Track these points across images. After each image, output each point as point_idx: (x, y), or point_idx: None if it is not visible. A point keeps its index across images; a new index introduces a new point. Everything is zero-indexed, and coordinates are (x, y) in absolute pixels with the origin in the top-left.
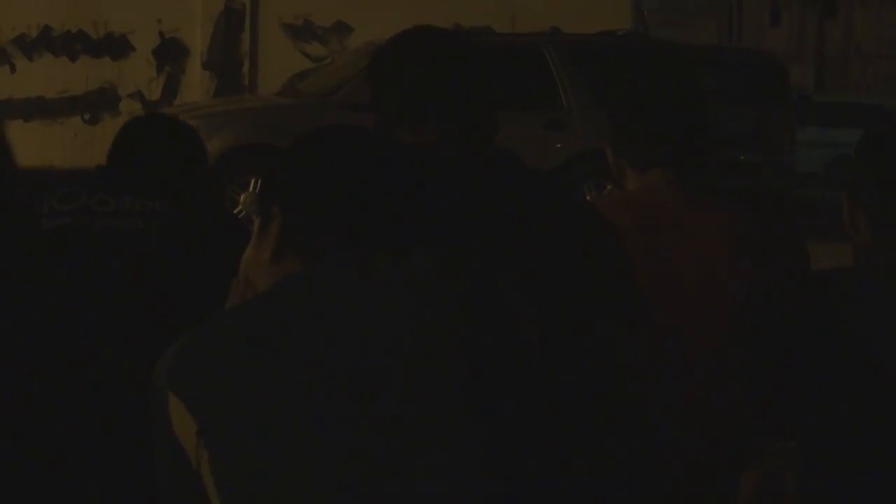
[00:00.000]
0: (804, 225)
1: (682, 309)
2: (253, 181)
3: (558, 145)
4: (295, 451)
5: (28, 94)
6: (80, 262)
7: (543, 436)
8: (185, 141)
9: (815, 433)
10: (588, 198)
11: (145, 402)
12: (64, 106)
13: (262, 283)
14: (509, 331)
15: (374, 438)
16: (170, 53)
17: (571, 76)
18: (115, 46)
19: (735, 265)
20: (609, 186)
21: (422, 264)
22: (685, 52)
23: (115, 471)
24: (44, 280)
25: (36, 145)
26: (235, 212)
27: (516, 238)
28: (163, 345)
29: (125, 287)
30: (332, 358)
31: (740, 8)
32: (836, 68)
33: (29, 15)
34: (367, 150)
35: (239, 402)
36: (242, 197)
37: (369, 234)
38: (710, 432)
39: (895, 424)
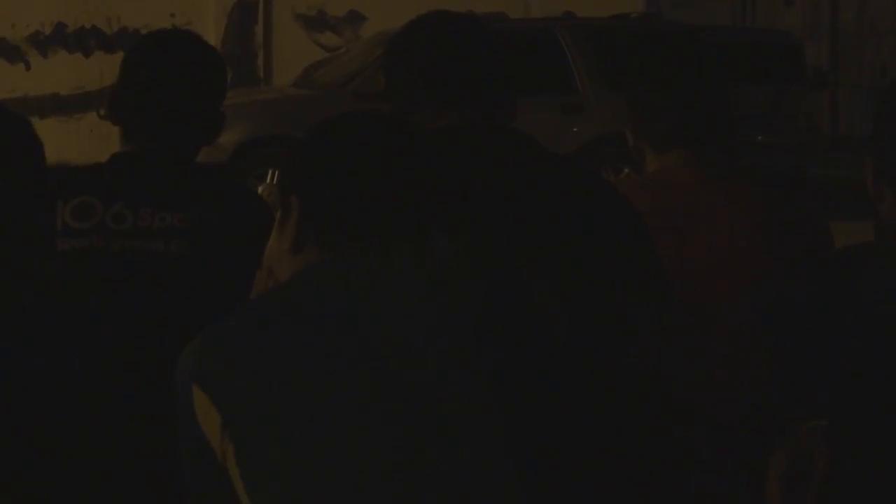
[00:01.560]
0: (821, 203)
1: (703, 288)
2: (270, 173)
3: (574, 129)
4: (320, 442)
5: (43, 91)
6: (99, 296)
7: (569, 421)
8: (204, 66)
9: (845, 412)
10: None
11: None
12: (79, 102)
13: (283, 273)
14: (533, 317)
15: (399, 429)
16: None
17: (586, 60)
18: (129, 41)
19: (755, 245)
20: (626, 170)
21: (444, 252)
22: (699, 34)
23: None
24: (61, 316)
25: (52, 142)
26: None
27: (539, 223)
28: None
29: (144, 320)
30: (353, 347)
31: None
32: (850, 46)
33: (42, 12)
34: (385, 137)
35: (263, 394)
36: (260, 189)
37: (390, 223)
38: (737, 411)
39: None
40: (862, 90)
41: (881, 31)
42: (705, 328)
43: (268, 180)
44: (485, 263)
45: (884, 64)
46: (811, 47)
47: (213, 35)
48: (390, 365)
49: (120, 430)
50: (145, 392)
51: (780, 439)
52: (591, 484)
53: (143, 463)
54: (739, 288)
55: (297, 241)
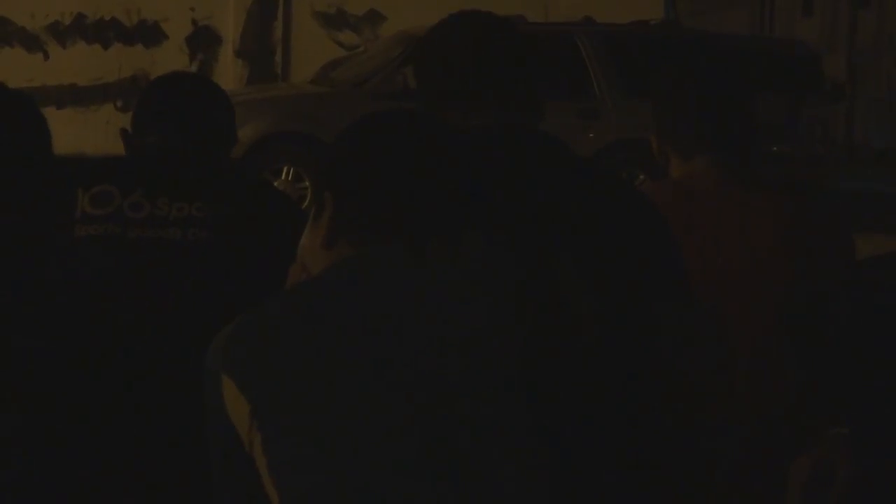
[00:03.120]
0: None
1: (725, 295)
2: (286, 169)
3: (591, 134)
4: (347, 432)
5: (61, 81)
6: (110, 281)
7: (597, 415)
8: (214, 101)
9: (868, 420)
10: None
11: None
12: (97, 93)
13: (316, 268)
14: (563, 313)
15: (426, 422)
16: (203, 41)
17: (604, 65)
18: (148, 34)
19: (778, 252)
20: (641, 176)
21: (475, 248)
22: (718, 42)
23: (161, 479)
24: (74, 298)
25: (68, 133)
26: None
27: (567, 221)
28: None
29: (159, 303)
30: (381, 340)
31: None
32: (868, 59)
33: (62, 2)
34: (418, 134)
35: (292, 383)
36: (275, 184)
37: (422, 219)
38: (760, 419)
39: None
40: (879, 103)
41: None
42: (728, 334)
43: (283, 176)
44: (515, 260)
45: None
46: (829, 59)
47: (231, 30)
48: (417, 358)
49: (133, 406)
50: (160, 372)
51: (803, 446)
52: (617, 482)
53: (154, 443)
54: (761, 295)
55: (330, 236)
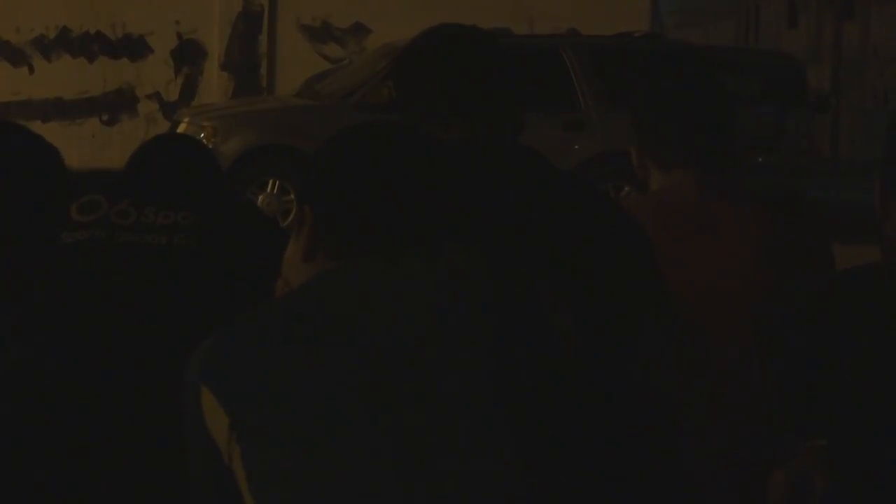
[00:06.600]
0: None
1: (705, 308)
2: (271, 182)
3: (576, 146)
4: (327, 445)
5: (46, 95)
6: (96, 284)
7: (574, 430)
8: (205, 158)
9: (844, 432)
10: None
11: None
12: (82, 107)
13: (296, 282)
14: (541, 326)
15: (406, 433)
16: (188, 55)
17: (589, 77)
18: (133, 48)
19: (758, 266)
20: (627, 188)
21: (453, 260)
22: (703, 53)
23: (140, 486)
24: (58, 304)
25: None
26: None
27: (547, 234)
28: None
29: (145, 307)
30: (362, 351)
31: (757, 9)
32: (853, 71)
33: (47, 16)
34: (397, 147)
35: (271, 396)
36: (261, 198)
37: (400, 232)
38: (737, 432)
39: None
40: (864, 115)
41: (884, 57)
42: (704, 349)
43: (268, 189)
44: (493, 273)
45: (886, 89)
46: (814, 70)
47: (217, 43)
48: (395, 372)
49: (117, 410)
50: (145, 377)
51: (780, 460)
52: (594, 494)
53: (135, 448)
54: (742, 307)
55: (309, 249)
